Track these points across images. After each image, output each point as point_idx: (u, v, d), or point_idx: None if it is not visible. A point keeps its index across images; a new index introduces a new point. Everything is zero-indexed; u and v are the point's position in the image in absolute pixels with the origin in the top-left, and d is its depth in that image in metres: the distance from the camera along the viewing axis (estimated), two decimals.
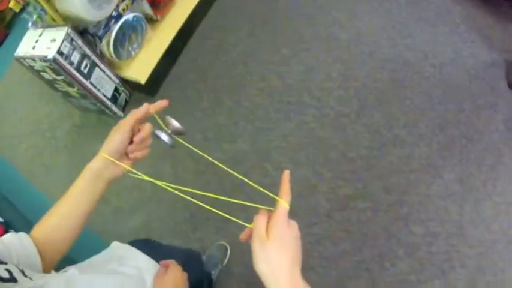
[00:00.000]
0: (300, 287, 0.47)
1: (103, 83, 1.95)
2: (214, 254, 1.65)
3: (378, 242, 1.77)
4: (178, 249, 1.18)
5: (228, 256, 1.65)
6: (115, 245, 0.81)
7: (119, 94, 2.03)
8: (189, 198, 0.56)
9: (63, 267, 0.61)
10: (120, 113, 2.04)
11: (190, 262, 1.03)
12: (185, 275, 0.75)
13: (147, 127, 0.61)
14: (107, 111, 2.03)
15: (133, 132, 0.61)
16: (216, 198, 0.56)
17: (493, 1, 2.37)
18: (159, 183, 0.57)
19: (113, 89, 2.00)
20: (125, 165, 0.60)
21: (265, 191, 0.55)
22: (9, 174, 2.11)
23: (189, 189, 0.56)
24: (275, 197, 0.51)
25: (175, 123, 0.60)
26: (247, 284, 1.62)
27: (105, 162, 0.59)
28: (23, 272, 0.47)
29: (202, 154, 0.64)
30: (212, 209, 0.56)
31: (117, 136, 0.59)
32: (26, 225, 1.88)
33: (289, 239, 0.49)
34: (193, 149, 0.64)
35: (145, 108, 0.60)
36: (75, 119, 2.20)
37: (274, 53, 2.01)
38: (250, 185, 0.56)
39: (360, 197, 1.78)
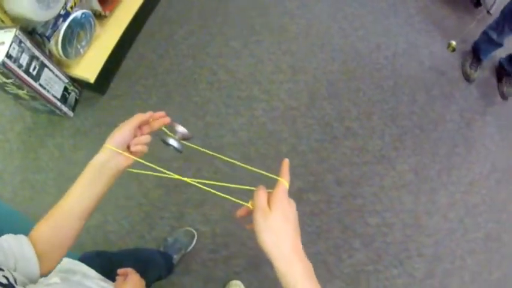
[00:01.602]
0: (303, 257, 0.49)
1: (52, 84, 1.91)
2: (180, 239, 1.64)
3: (333, 234, 1.76)
4: (129, 256, 1.17)
5: (193, 243, 1.65)
6: (66, 260, 0.80)
7: (69, 94, 1.99)
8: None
9: None
10: (70, 113, 2.00)
11: (144, 267, 1.05)
12: (143, 281, 0.77)
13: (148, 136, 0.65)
14: (57, 111, 1.99)
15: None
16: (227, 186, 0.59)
17: None
18: (178, 177, 0.59)
19: (62, 89, 1.96)
20: (132, 156, 0.62)
21: (263, 172, 0.60)
22: None
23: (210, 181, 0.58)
24: (274, 176, 0.54)
25: (181, 129, 0.64)
26: (207, 273, 1.63)
27: (110, 154, 0.59)
28: (15, 280, 0.47)
29: (217, 155, 0.68)
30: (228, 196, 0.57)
31: (124, 130, 0.60)
32: None
33: (291, 213, 0.51)
34: (206, 151, 0.68)
35: (149, 114, 0.64)
36: (26, 120, 2.15)
37: (224, 46, 1.98)
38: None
39: (312, 190, 1.77)
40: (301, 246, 0.50)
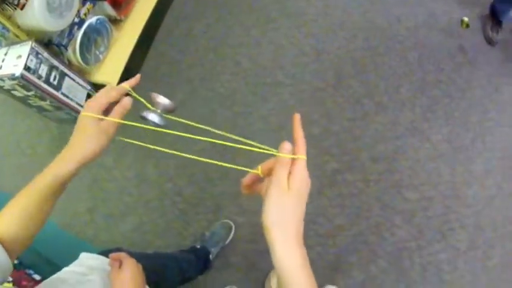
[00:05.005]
0: (302, 244, 0.47)
1: (75, 92, 1.91)
2: (217, 232, 1.63)
3: (373, 212, 1.74)
4: (147, 258, 1.13)
5: (231, 236, 1.64)
6: (84, 255, 0.80)
7: None
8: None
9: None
10: None
11: (161, 271, 1.01)
12: (140, 266, 0.72)
13: (127, 101, 0.58)
14: None
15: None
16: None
17: None
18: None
19: (85, 96, 1.97)
20: None
21: (268, 150, 0.52)
22: None
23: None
24: (292, 156, 0.48)
25: (163, 100, 0.53)
26: (248, 264, 1.62)
27: (78, 168, 0.56)
28: None
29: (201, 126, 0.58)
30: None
31: (92, 144, 0.56)
32: None
33: (306, 194, 0.48)
34: (190, 123, 0.58)
35: (123, 88, 0.59)
36: (53, 131, 2.16)
37: (244, 36, 1.97)
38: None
39: (348, 169, 1.75)
40: (302, 232, 0.47)
